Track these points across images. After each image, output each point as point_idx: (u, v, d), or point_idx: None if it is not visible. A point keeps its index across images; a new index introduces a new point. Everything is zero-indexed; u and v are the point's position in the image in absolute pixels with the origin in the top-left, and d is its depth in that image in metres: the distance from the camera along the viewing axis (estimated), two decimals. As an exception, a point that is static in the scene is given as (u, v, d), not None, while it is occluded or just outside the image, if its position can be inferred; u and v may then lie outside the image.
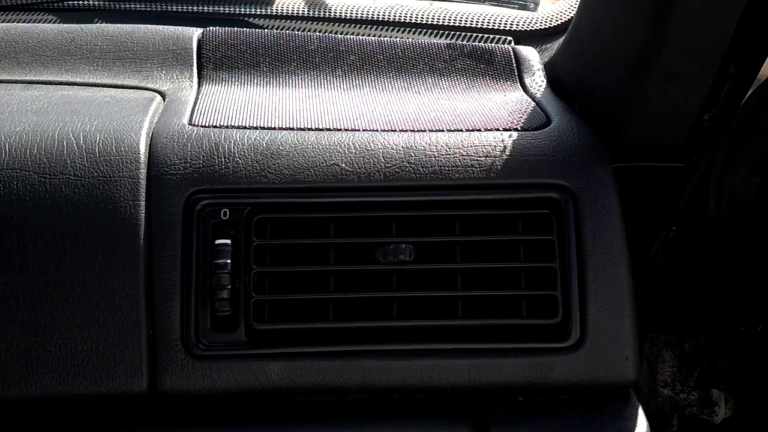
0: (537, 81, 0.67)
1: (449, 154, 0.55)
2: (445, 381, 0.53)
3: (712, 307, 0.69)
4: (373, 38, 0.70)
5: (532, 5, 0.81)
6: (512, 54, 0.69)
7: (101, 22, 0.76)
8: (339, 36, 0.69)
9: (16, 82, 0.59)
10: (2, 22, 0.75)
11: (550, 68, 0.69)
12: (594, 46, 0.62)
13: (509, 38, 0.80)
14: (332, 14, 0.80)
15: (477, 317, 0.54)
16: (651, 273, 0.68)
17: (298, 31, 0.75)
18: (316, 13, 0.80)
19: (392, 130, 0.57)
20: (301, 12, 0.80)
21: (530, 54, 0.70)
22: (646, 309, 0.70)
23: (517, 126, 0.59)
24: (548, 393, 0.54)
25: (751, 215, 0.63)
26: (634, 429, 0.53)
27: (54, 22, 0.75)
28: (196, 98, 0.60)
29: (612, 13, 0.58)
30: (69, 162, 0.51)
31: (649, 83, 0.57)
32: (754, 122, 0.62)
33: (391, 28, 0.81)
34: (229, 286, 0.52)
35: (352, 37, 0.69)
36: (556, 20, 0.80)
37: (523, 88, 0.66)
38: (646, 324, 0.72)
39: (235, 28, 0.68)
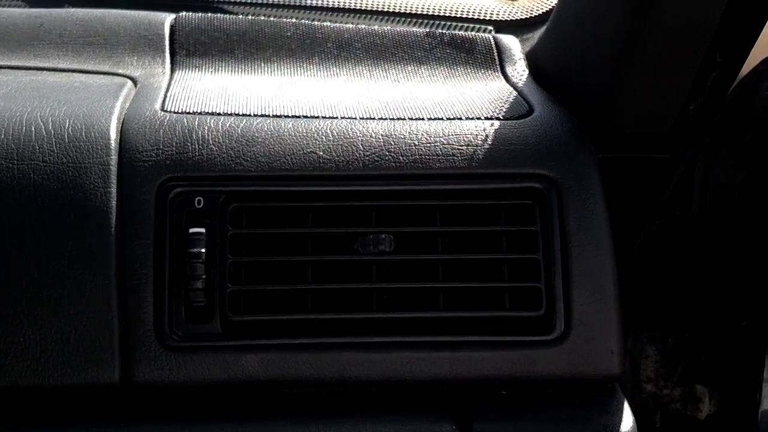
0: (519, 70, 0.66)
1: (430, 143, 0.54)
2: (426, 374, 0.52)
3: (695, 302, 0.69)
4: (350, 26, 0.68)
5: (512, -5, 0.80)
6: (493, 43, 0.68)
7: (71, 7, 0.74)
8: (315, 23, 0.68)
9: None
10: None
11: (532, 58, 0.68)
12: (577, 34, 0.61)
13: (490, 28, 0.79)
14: (309, 2, 0.79)
15: (459, 309, 0.53)
16: (634, 267, 0.67)
17: (273, 18, 0.73)
18: (293, 0, 0.79)
19: (371, 118, 0.55)
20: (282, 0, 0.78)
21: (511, 43, 0.69)
22: (630, 304, 0.69)
23: (499, 115, 0.57)
24: (532, 387, 0.53)
25: (735, 208, 0.62)
26: (620, 423, 0.52)
27: (23, 7, 0.73)
28: (169, 84, 0.59)
29: (593, 3, 0.57)
30: (38, 148, 0.50)
31: (633, 72, 0.56)
32: (738, 114, 0.61)
33: (370, 17, 0.79)
34: (204, 276, 0.50)
35: (329, 24, 0.68)
36: (537, 10, 0.79)
37: (504, 78, 0.65)
38: (630, 319, 0.71)
39: (209, 14, 0.66)
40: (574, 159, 0.55)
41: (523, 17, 0.79)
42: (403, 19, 0.79)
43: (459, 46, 0.68)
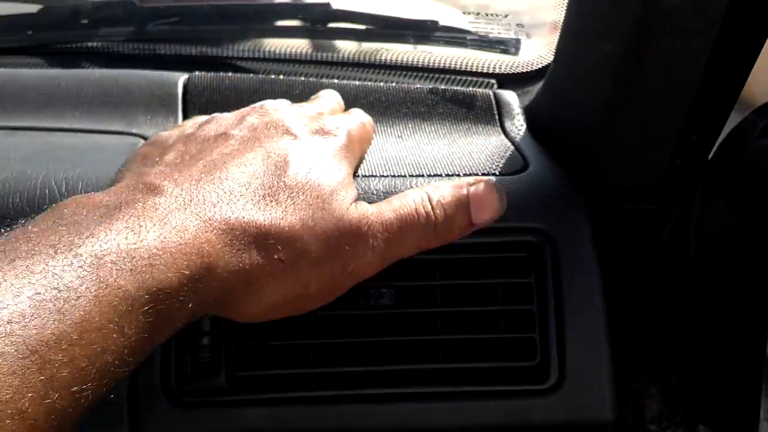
0: (517, 125, 0.68)
1: None
2: (424, 424, 0.54)
3: (695, 344, 0.70)
4: (356, 83, 0.71)
5: (513, 50, 0.83)
6: (493, 98, 0.71)
7: (89, 66, 0.77)
8: (323, 80, 0.70)
9: (0, 128, 0.60)
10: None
11: (529, 112, 0.70)
12: (569, 92, 0.63)
13: (492, 81, 0.81)
14: (318, 57, 0.82)
15: (457, 360, 0.55)
16: (634, 310, 0.69)
17: (283, 74, 0.76)
18: (302, 56, 0.82)
19: (372, 176, 0.58)
20: (287, 55, 0.81)
21: (511, 98, 0.71)
22: (632, 345, 0.71)
23: (496, 171, 0.60)
24: None
25: (730, 252, 0.64)
26: None
27: (40, 66, 0.76)
28: None
29: (584, 62, 0.59)
30: None
31: (620, 129, 0.58)
32: (730, 163, 0.63)
33: (377, 71, 0.82)
34: (210, 333, 0.52)
35: (336, 81, 0.70)
36: (537, 64, 0.81)
37: (503, 132, 0.68)
38: (632, 360, 0.72)
39: (221, 73, 0.69)
40: (566, 213, 0.57)
41: (523, 71, 0.81)
42: (408, 72, 0.82)
43: (460, 102, 0.70)
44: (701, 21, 0.51)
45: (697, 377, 0.69)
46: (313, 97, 0.64)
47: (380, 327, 0.55)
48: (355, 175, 0.57)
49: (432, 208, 0.50)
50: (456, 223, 0.51)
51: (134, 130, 0.62)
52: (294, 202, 0.45)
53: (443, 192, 0.51)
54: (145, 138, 0.61)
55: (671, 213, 0.65)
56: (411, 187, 0.57)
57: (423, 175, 0.58)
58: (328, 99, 0.63)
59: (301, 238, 0.45)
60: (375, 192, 0.56)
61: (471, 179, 0.53)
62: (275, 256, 0.44)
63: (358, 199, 0.55)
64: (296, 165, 0.47)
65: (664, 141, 0.59)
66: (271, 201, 0.45)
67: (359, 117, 0.59)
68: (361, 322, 0.54)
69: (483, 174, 0.59)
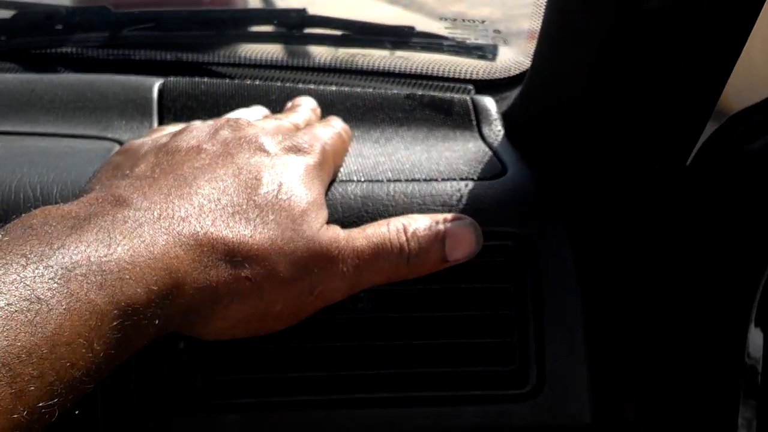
0: (494, 130, 0.68)
1: (407, 204, 0.56)
2: (402, 429, 0.53)
3: (673, 350, 0.70)
4: (333, 88, 0.70)
5: (490, 56, 0.83)
6: (470, 104, 0.71)
7: (64, 72, 0.76)
8: (300, 86, 0.70)
9: None
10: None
11: (507, 118, 0.70)
12: (545, 97, 0.64)
13: (470, 87, 0.81)
14: (294, 63, 0.82)
15: (434, 365, 0.55)
16: (616, 315, 0.69)
17: (260, 80, 0.76)
18: (279, 61, 0.82)
19: (350, 181, 0.57)
20: (263, 60, 0.81)
21: (488, 104, 0.71)
22: (612, 351, 0.71)
23: (474, 176, 0.60)
24: None
25: (709, 260, 0.64)
26: None
27: (15, 71, 0.76)
28: None
29: (561, 66, 0.59)
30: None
31: (596, 134, 0.58)
32: (709, 169, 0.63)
33: (354, 77, 0.82)
34: (185, 336, 0.52)
35: (312, 87, 0.70)
36: (515, 70, 0.82)
37: (481, 138, 0.68)
38: (612, 366, 0.72)
39: (196, 78, 0.68)
40: (544, 217, 0.57)
41: (501, 77, 0.82)
42: (385, 78, 0.82)
43: (438, 108, 0.70)
44: (676, 25, 0.52)
45: (675, 383, 0.69)
46: (288, 105, 0.64)
47: (358, 331, 0.54)
48: (331, 183, 0.57)
49: (407, 239, 0.50)
50: (429, 258, 0.50)
51: (109, 135, 0.61)
52: (264, 221, 0.45)
53: (419, 224, 0.51)
54: (120, 143, 0.60)
55: (651, 218, 0.65)
56: (388, 192, 0.56)
57: (400, 180, 0.58)
58: (304, 109, 0.62)
59: (270, 257, 0.44)
60: (352, 197, 0.56)
61: (449, 215, 0.53)
62: (242, 274, 0.43)
63: (336, 204, 0.55)
64: (268, 183, 0.47)
65: (641, 146, 0.59)
66: (241, 218, 0.44)
67: (335, 127, 0.59)
68: (339, 327, 0.54)
69: (461, 179, 0.59)
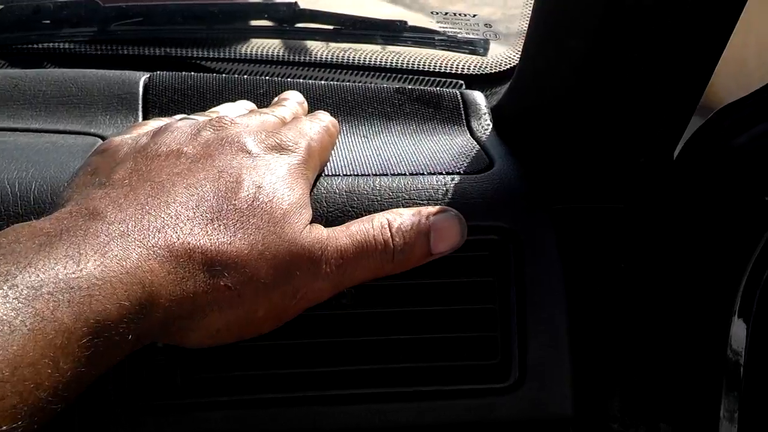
0: (483, 125, 0.68)
1: (392, 198, 0.56)
2: (385, 424, 0.53)
3: (657, 343, 0.70)
4: (322, 82, 0.70)
5: (481, 50, 0.82)
6: (460, 98, 0.70)
7: (50, 67, 0.76)
8: (288, 80, 0.69)
9: None
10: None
11: (496, 112, 0.70)
12: (534, 91, 0.63)
13: (460, 82, 0.81)
14: (285, 57, 0.81)
15: (418, 360, 0.54)
16: (600, 309, 0.69)
17: (250, 74, 0.75)
18: (269, 56, 0.81)
19: (335, 175, 0.57)
20: (253, 55, 0.81)
21: (478, 98, 0.71)
22: (596, 344, 0.70)
23: (460, 170, 0.59)
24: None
25: (695, 254, 0.63)
26: None
27: (1, 67, 0.75)
28: None
29: (549, 60, 0.59)
30: (3, 210, 0.51)
31: (584, 127, 0.58)
32: (696, 163, 0.63)
33: (345, 71, 0.81)
34: None
35: (301, 81, 0.69)
36: (506, 65, 0.81)
37: (469, 132, 0.67)
38: (596, 358, 0.72)
39: (183, 72, 0.68)
40: (529, 212, 0.57)
41: (492, 72, 0.81)
42: (376, 72, 0.81)
43: (427, 102, 0.70)
44: (662, 20, 0.51)
45: (659, 376, 0.69)
46: (275, 100, 0.63)
47: (340, 327, 0.54)
48: (317, 177, 0.56)
49: (391, 235, 0.49)
50: (415, 252, 0.50)
51: (93, 130, 0.61)
52: (243, 226, 0.44)
53: (404, 219, 0.50)
54: (103, 138, 0.60)
55: (638, 212, 0.64)
56: (374, 187, 0.56)
57: (387, 174, 0.57)
58: (291, 102, 0.62)
59: (250, 263, 0.43)
60: (338, 192, 0.55)
61: (433, 208, 0.52)
62: (222, 283, 0.43)
63: (321, 199, 0.54)
64: (248, 186, 0.46)
65: (628, 139, 0.59)
66: (220, 225, 0.43)
67: (321, 122, 0.58)
68: (321, 323, 0.54)
69: (447, 173, 0.58)
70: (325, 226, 0.51)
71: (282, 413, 0.52)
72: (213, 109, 0.60)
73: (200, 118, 0.54)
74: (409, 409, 0.53)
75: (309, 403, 0.53)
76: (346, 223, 0.49)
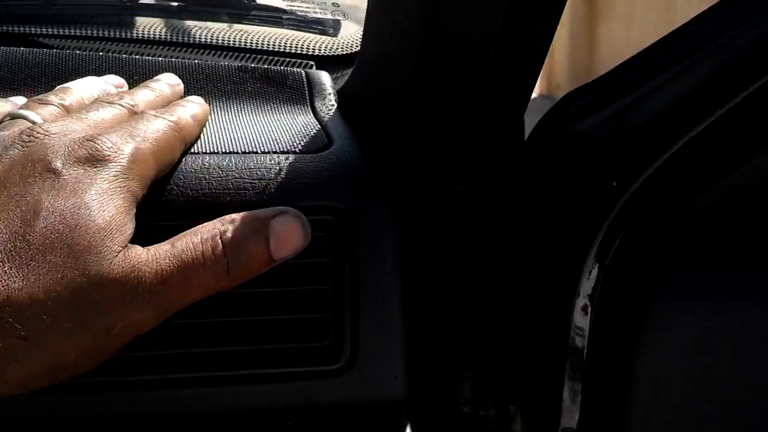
0: (327, 105, 0.67)
1: (221, 177, 0.54)
2: (215, 408, 0.51)
3: (505, 326, 0.71)
4: (161, 59, 0.67)
5: (331, 30, 0.81)
6: (305, 78, 0.69)
7: None
8: (123, 56, 0.67)
9: None
10: None
11: (342, 93, 0.69)
12: (375, 71, 0.62)
13: (311, 63, 0.80)
14: (127, 35, 0.78)
15: (249, 343, 0.53)
16: (446, 293, 0.69)
17: (86, 51, 0.72)
18: (110, 33, 0.78)
19: None
20: (92, 31, 0.77)
21: (323, 78, 0.70)
22: (445, 329, 0.71)
23: (296, 149, 0.58)
24: (319, 416, 0.54)
25: (540, 237, 0.64)
26: None
27: None
28: None
29: (386, 39, 0.58)
30: None
31: (422, 106, 0.58)
32: (541, 148, 0.63)
33: (190, 50, 0.79)
34: None
35: (137, 57, 0.67)
36: (357, 46, 0.80)
37: (313, 112, 0.66)
38: (446, 343, 0.72)
39: (11, 48, 0.64)
40: (366, 192, 0.56)
41: (342, 53, 0.80)
42: (224, 53, 0.79)
43: (270, 81, 0.68)
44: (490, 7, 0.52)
45: (508, 359, 0.70)
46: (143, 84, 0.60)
47: None
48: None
49: (223, 248, 0.44)
50: (253, 263, 0.46)
51: None
52: (38, 265, 0.39)
53: (239, 225, 0.46)
54: None
55: (480, 194, 0.65)
56: (203, 165, 0.54)
57: (217, 153, 0.56)
58: (158, 86, 0.57)
59: (47, 309, 0.38)
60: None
61: (271, 210, 0.48)
62: (15, 335, 0.38)
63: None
64: (47, 215, 0.40)
65: (465, 119, 0.59)
66: (11, 267, 0.38)
67: (171, 116, 0.51)
68: None
69: (282, 152, 0.57)
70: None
71: (98, 398, 0.50)
72: (66, 85, 0.54)
73: (30, 114, 0.48)
74: (238, 393, 0.52)
75: (130, 388, 0.51)
76: (172, 238, 0.45)
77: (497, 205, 0.65)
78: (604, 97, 0.60)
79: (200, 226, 0.46)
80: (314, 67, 0.79)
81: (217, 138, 0.58)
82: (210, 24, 0.79)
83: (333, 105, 0.67)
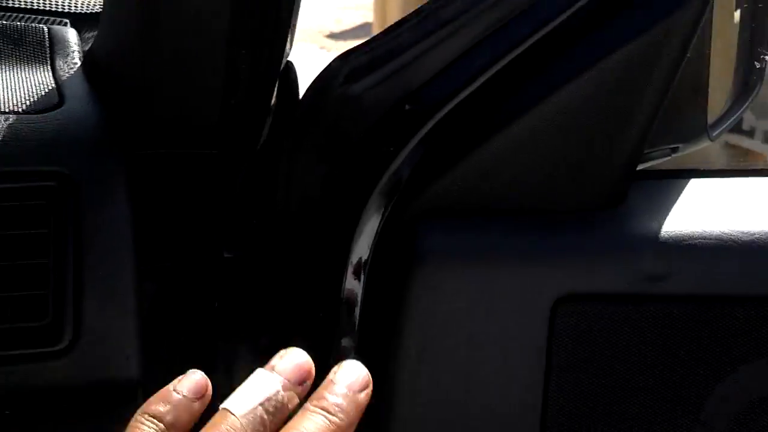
0: (69, 63, 0.62)
1: None
2: None
3: (282, 300, 0.68)
4: None
5: (88, -13, 0.76)
6: (46, 35, 0.63)
7: None
8: None
9: None
10: None
11: (90, 53, 0.64)
12: (115, 29, 0.58)
13: (65, 21, 0.74)
14: None
15: None
16: (222, 269, 0.66)
17: None
18: None
19: None
20: None
21: (69, 35, 0.65)
22: (218, 305, 0.67)
23: (19, 108, 0.53)
24: (41, 403, 0.49)
25: (317, 205, 0.62)
26: None
27: None
28: None
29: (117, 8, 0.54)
30: None
31: (162, 63, 0.54)
32: (315, 112, 0.61)
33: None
34: None
35: None
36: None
37: (52, 70, 0.61)
38: (219, 321, 0.69)
39: None
40: (96, 157, 0.52)
41: (99, 11, 0.75)
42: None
43: (7, 37, 0.63)
44: None
45: (286, 334, 0.68)
46: None
47: None
48: None
49: None
50: None
51: None
52: None
53: None
54: None
55: (237, 159, 0.62)
56: None
57: None
58: None
59: None
60: None
61: None
62: None
63: None
64: None
65: (211, 78, 0.55)
66: None
67: None
68: None
69: (2, 112, 0.52)
70: None
71: None
72: None
73: None
74: None
75: None
76: None
77: (269, 169, 0.62)
78: (378, 59, 0.58)
79: None
80: (68, 26, 0.73)
81: None
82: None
83: (75, 63, 0.62)
